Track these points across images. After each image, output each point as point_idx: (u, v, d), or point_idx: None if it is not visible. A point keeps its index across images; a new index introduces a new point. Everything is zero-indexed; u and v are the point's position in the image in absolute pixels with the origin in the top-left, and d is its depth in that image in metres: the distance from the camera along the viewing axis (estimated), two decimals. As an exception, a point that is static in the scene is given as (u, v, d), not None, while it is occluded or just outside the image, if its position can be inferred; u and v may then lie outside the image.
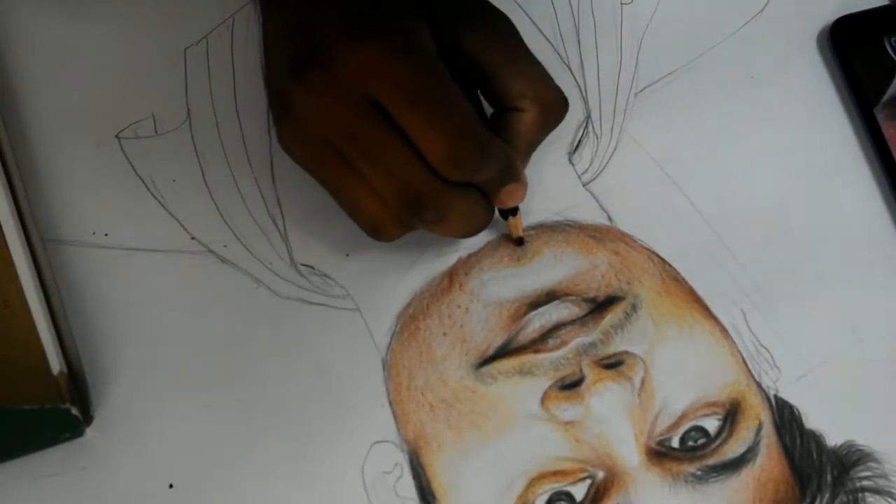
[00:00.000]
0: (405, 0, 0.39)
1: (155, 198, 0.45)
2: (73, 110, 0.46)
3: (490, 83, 0.41)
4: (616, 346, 0.44)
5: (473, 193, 0.41)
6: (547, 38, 0.49)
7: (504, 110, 0.42)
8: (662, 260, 0.46)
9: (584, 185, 0.47)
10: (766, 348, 0.44)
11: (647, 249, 0.46)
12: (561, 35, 0.49)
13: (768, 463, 0.43)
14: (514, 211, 0.44)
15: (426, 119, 0.38)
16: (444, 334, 0.44)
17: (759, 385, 0.44)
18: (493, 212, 0.43)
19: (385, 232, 0.41)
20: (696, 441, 0.43)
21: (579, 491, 0.42)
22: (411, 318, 0.44)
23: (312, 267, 0.45)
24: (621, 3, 0.50)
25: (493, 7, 0.42)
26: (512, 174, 0.41)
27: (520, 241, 0.45)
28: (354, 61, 0.38)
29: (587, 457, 0.42)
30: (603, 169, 0.47)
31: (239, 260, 0.45)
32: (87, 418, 0.42)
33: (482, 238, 0.45)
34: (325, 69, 0.38)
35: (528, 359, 0.43)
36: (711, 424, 0.43)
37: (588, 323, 0.44)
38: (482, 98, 0.42)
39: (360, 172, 0.39)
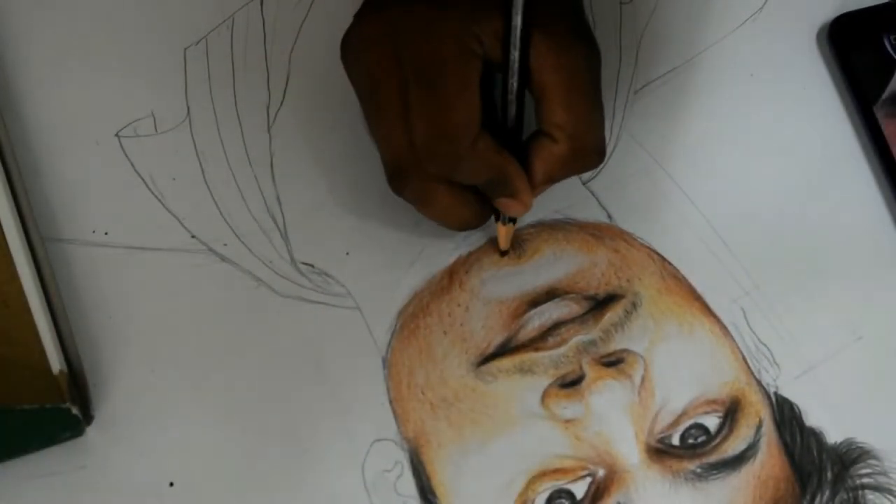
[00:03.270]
0: None
1: (155, 196, 0.45)
2: (73, 109, 0.46)
3: (539, 101, 0.40)
4: (616, 344, 0.44)
5: (463, 191, 0.41)
6: (546, 37, 0.49)
7: (540, 132, 0.41)
8: (662, 258, 0.46)
9: (583, 183, 0.47)
10: (765, 346, 0.44)
11: (647, 247, 0.46)
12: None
13: (768, 460, 0.43)
14: (511, 218, 0.43)
15: (422, 102, 0.38)
16: (445, 332, 0.44)
17: (759, 383, 0.44)
18: (484, 216, 0.43)
19: (402, 176, 0.40)
20: (696, 439, 0.43)
21: (580, 489, 0.42)
22: (411, 317, 0.44)
23: (312, 265, 0.45)
24: (620, 3, 0.50)
25: (586, 35, 0.41)
26: (506, 189, 0.41)
27: (502, 253, 0.45)
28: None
29: (587, 455, 0.42)
30: (603, 167, 0.47)
31: (239, 259, 0.45)
32: (88, 418, 0.42)
33: (482, 236, 0.45)
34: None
35: (528, 357, 0.43)
36: (712, 422, 0.43)
37: (588, 321, 0.44)
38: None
39: (407, 101, 0.39)
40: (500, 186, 0.41)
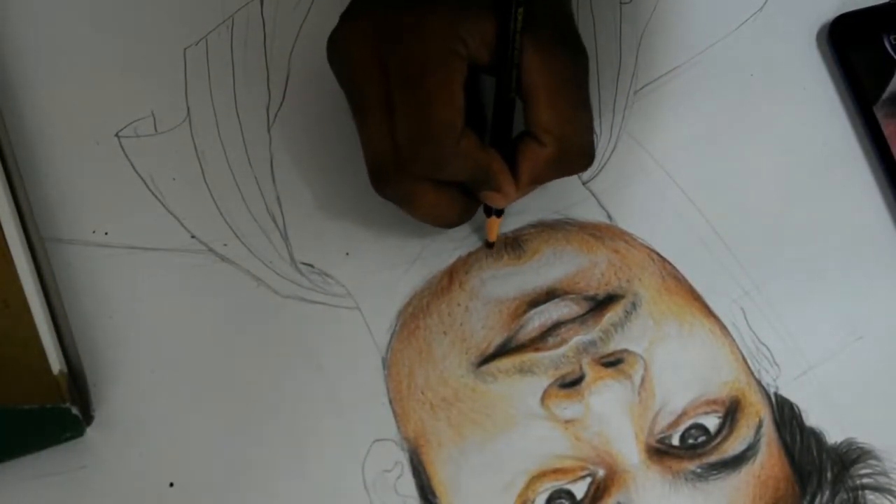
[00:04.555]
0: None
1: (155, 196, 0.45)
2: (73, 109, 0.46)
3: (526, 103, 0.40)
4: (616, 344, 0.44)
5: (447, 189, 0.41)
6: (546, 37, 0.49)
7: (527, 134, 0.41)
8: (662, 258, 0.46)
9: (583, 183, 0.47)
10: (765, 346, 0.44)
11: (647, 247, 0.46)
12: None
13: (768, 461, 0.43)
14: (498, 212, 0.43)
15: (405, 102, 0.38)
16: (445, 333, 0.44)
17: (759, 383, 0.44)
18: (469, 212, 0.43)
19: (385, 177, 0.41)
20: (696, 439, 0.43)
21: (579, 489, 0.42)
22: (411, 317, 0.44)
23: (312, 265, 0.45)
24: (620, 3, 0.50)
25: (573, 38, 0.41)
26: (489, 184, 0.41)
27: (489, 245, 0.45)
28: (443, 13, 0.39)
29: (587, 455, 0.42)
30: (603, 167, 0.47)
31: (239, 259, 0.45)
32: (88, 418, 0.42)
33: (482, 237, 0.45)
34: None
35: (528, 357, 0.43)
36: (711, 422, 0.43)
37: (588, 321, 0.44)
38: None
39: (390, 102, 0.39)
40: (484, 182, 0.41)
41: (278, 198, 0.46)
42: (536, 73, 0.40)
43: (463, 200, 0.42)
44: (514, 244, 0.45)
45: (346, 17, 0.41)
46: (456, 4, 0.39)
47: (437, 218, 0.42)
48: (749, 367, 0.44)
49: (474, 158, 0.40)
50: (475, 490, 0.42)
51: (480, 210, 0.44)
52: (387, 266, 0.45)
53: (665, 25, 0.50)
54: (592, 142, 0.41)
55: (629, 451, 0.42)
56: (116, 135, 0.46)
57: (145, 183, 0.46)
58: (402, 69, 0.39)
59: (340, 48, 0.40)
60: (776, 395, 0.44)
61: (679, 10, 0.50)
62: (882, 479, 0.43)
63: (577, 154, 0.41)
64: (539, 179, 0.42)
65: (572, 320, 0.44)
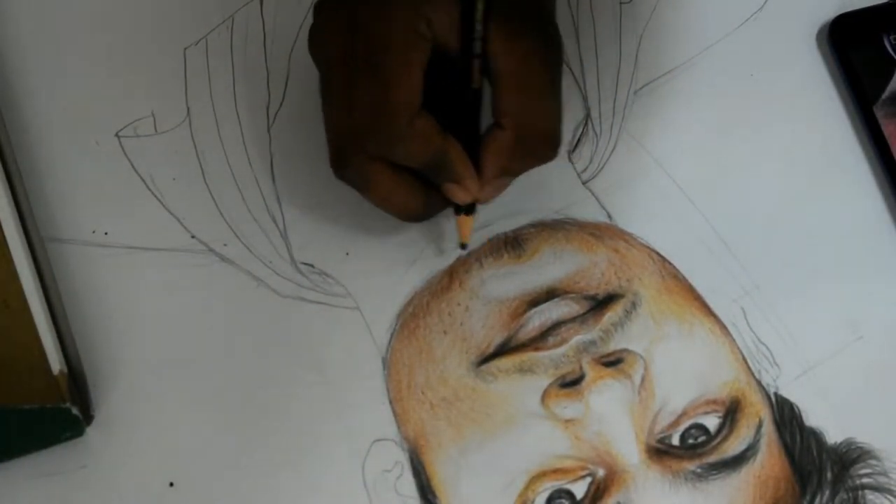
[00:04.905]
0: None
1: (155, 196, 0.45)
2: (73, 109, 0.46)
3: (493, 90, 0.40)
4: (616, 343, 0.44)
5: (406, 176, 0.41)
6: (546, 37, 0.49)
7: (493, 124, 0.41)
8: (662, 258, 0.46)
9: (583, 183, 0.47)
10: (765, 346, 0.44)
11: (647, 247, 0.46)
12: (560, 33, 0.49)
13: (768, 461, 0.43)
14: (467, 210, 0.43)
15: (364, 82, 0.38)
16: (445, 332, 0.44)
17: (759, 383, 0.44)
18: (434, 205, 0.42)
19: (343, 158, 0.41)
20: (696, 439, 0.43)
21: (580, 489, 0.42)
22: (411, 317, 0.44)
23: (312, 265, 0.45)
24: (620, 2, 0.50)
25: (544, 24, 0.41)
26: (448, 173, 0.41)
27: (462, 246, 0.44)
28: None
29: (587, 455, 0.42)
30: (602, 167, 0.47)
31: (239, 259, 0.45)
32: (87, 418, 0.42)
33: (482, 236, 0.45)
34: None
35: (528, 356, 0.43)
36: (711, 422, 0.43)
37: (588, 321, 0.44)
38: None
39: (352, 82, 0.39)
40: (442, 170, 0.41)
41: (278, 198, 0.46)
42: (502, 60, 0.40)
43: (424, 191, 0.42)
44: (514, 243, 0.45)
45: (318, 7, 0.41)
46: None
47: (397, 207, 0.42)
48: (749, 367, 0.44)
49: (430, 141, 0.40)
50: (475, 490, 0.42)
51: (481, 210, 0.44)
52: (387, 266, 0.45)
53: (665, 25, 0.50)
54: (557, 129, 0.41)
55: (629, 451, 0.42)
56: (116, 135, 0.46)
57: (145, 183, 0.46)
58: (365, 50, 0.39)
59: (316, 39, 0.41)
60: (776, 395, 0.44)
61: (679, 10, 0.50)
62: (882, 479, 0.43)
63: (539, 139, 0.41)
64: (506, 169, 0.41)
65: (572, 320, 0.44)
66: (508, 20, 0.39)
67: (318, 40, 0.41)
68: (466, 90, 0.41)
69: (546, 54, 0.40)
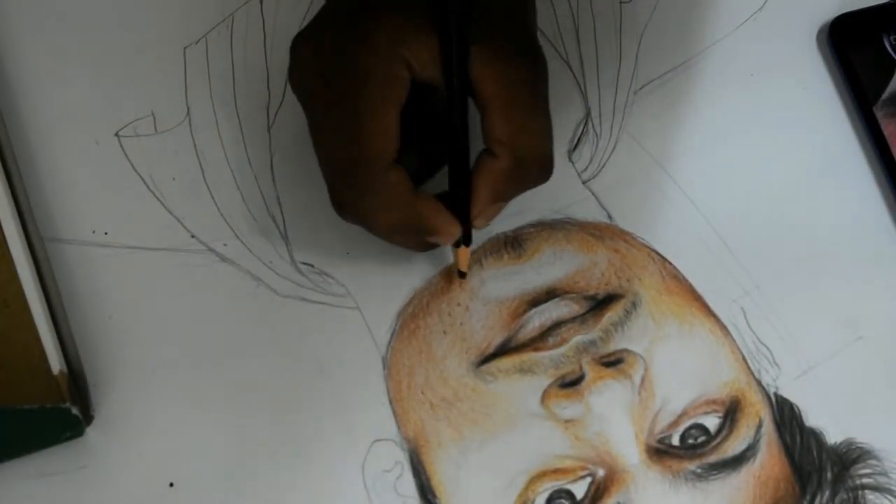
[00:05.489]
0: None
1: (155, 196, 0.45)
2: (73, 109, 0.46)
3: (482, 116, 0.39)
4: (616, 344, 0.44)
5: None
6: (546, 37, 0.49)
7: (484, 151, 0.40)
8: (662, 258, 0.46)
9: (583, 182, 0.47)
10: (765, 346, 0.44)
11: (647, 247, 0.46)
12: (560, 33, 0.49)
13: (768, 461, 0.43)
14: (465, 240, 0.42)
15: (340, 127, 0.38)
16: (445, 332, 0.44)
17: (759, 383, 0.44)
18: (426, 245, 0.42)
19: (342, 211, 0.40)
20: (696, 439, 0.43)
21: (580, 489, 0.42)
22: (411, 317, 0.44)
23: (312, 265, 0.45)
24: (620, 2, 0.50)
25: (530, 47, 0.40)
26: (428, 231, 0.40)
27: (461, 274, 0.44)
28: (388, 27, 0.38)
29: (587, 455, 0.42)
30: (603, 167, 0.47)
31: (239, 259, 0.45)
32: (87, 418, 0.42)
33: (481, 236, 0.45)
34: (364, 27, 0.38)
35: (528, 357, 0.43)
36: (712, 422, 0.43)
37: (588, 321, 0.44)
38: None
39: (331, 125, 0.39)
40: (420, 231, 0.40)
41: (278, 197, 0.46)
42: (487, 84, 0.38)
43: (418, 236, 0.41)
44: (514, 243, 0.45)
45: (296, 39, 0.40)
46: (400, 23, 0.38)
47: (402, 244, 0.42)
48: (749, 367, 0.44)
49: (401, 198, 0.39)
50: (475, 490, 0.42)
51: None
52: (387, 265, 0.45)
53: (665, 25, 0.50)
54: (550, 151, 0.40)
55: (629, 451, 0.42)
56: (116, 134, 0.46)
57: (145, 183, 0.46)
58: (339, 92, 0.38)
59: (293, 71, 0.40)
60: (776, 395, 0.44)
61: (679, 10, 0.50)
62: (882, 479, 0.43)
63: (534, 164, 0.40)
64: (499, 195, 0.40)
65: (572, 320, 0.44)
66: (493, 45, 0.38)
67: (295, 79, 0.40)
68: (455, 118, 0.39)
69: (534, 77, 0.40)
